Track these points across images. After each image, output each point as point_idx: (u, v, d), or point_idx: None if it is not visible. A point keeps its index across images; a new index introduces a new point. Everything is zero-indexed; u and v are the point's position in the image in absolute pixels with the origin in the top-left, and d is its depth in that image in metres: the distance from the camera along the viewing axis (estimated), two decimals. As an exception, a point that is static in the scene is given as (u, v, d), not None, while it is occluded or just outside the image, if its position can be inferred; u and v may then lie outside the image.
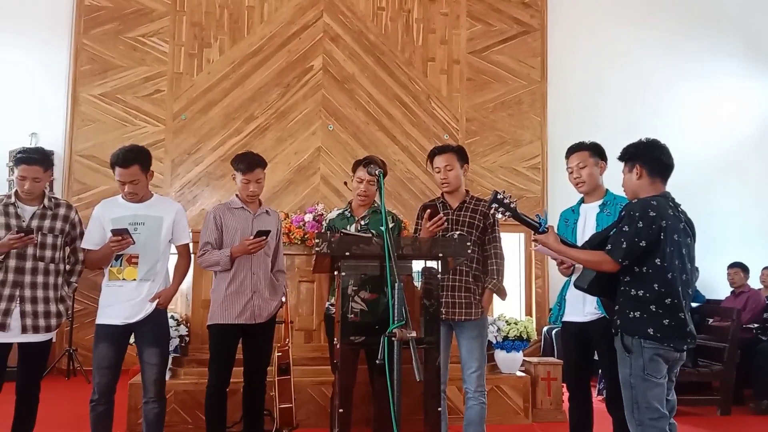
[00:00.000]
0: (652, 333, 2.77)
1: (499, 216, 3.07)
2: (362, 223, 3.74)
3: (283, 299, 3.87)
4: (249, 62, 7.50)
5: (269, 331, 3.79)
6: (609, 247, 2.85)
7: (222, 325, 3.63)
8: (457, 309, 3.48)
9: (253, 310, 3.64)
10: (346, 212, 3.82)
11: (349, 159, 7.43)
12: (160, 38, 7.36)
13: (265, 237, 3.54)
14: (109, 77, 7.22)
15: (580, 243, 3.25)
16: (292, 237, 4.99)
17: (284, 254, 4.91)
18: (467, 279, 3.51)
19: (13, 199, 3.45)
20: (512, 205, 3.04)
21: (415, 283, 2.72)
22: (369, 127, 7.66)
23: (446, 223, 3.51)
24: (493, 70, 8.00)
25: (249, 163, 3.71)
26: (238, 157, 3.77)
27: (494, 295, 3.65)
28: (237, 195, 3.81)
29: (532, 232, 3.13)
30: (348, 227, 3.70)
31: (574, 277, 3.33)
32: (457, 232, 3.45)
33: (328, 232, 3.72)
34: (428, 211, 3.39)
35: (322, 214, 5.11)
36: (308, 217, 5.07)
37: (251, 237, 3.54)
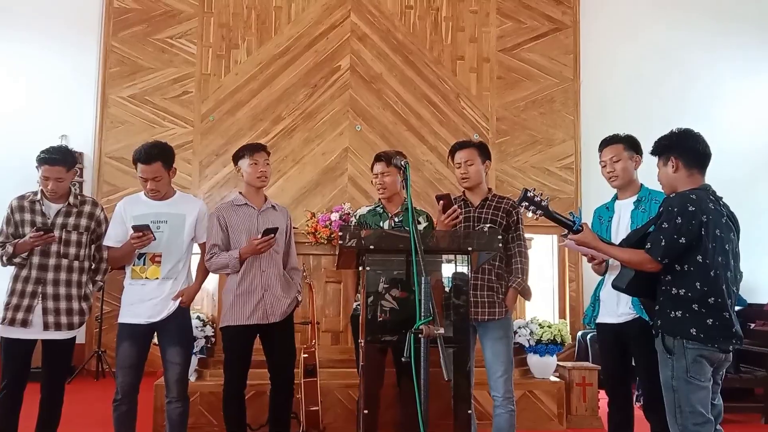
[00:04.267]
0: (695, 333, 2.64)
1: (530, 215, 2.95)
2: (396, 219, 3.65)
3: (299, 297, 3.75)
4: (276, 63, 7.46)
5: (288, 329, 3.67)
6: (648, 245, 2.73)
7: (234, 326, 3.53)
8: (479, 308, 3.34)
9: (265, 308, 3.53)
10: (378, 209, 3.71)
11: (377, 159, 7.37)
12: (188, 40, 7.38)
13: (273, 235, 3.43)
14: (138, 79, 7.25)
15: (614, 241, 3.12)
16: (318, 236, 4.92)
17: (311, 254, 4.89)
18: (489, 277, 3.39)
19: (39, 197, 3.44)
20: (543, 203, 2.91)
21: (444, 285, 2.61)
22: (397, 127, 7.57)
23: (468, 220, 3.41)
24: (524, 68, 7.84)
25: (252, 147, 3.67)
26: (240, 148, 3.70)
27: (519, 296, 3.52)
28: (240, 192, 3.72)
29: (563, 231, 3.00)
30: (381, 224, 3.61)
31: (608, 276, 3.20)
32: (487, 226, 3.33)
33: (356, 226, 3.62)
34: (441, 203, 3.27)
35: (349, 213, 5.03)
36: (334, 216, 4.98)
37: (259, 236, 3.44)
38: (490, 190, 3.60)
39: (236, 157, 3.71)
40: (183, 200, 3.60)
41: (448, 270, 2.53)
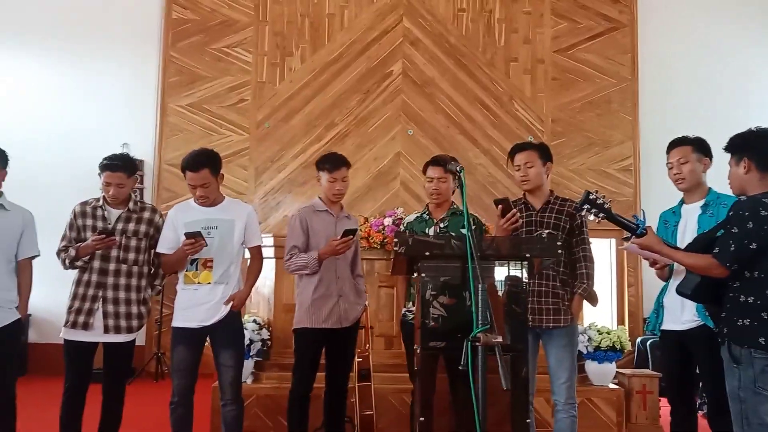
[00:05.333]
0: (764, 342, 2.53)
1: (592, 218, 2.88)
2: (441, 225, 3.62)
3: (367, 303, 3.81)
4: (329, 69, 7.53)
5: (353, 335, 3.74)
6: (716, 250, 2.63)
7: (308, 329, 3.60)
8: (544, 315, 3.28)
9: (340, 314, 3.61)
10: (425, 215, 3.71)
11: (430, 164, 7.35)
12: (243, 48, 7.51)
13: (352, 236, 3.50)
14: (196, 88, 7.43)
15: (681, 246, 3.01)
16: (372, 241, 4.93)
17: (364, 259, 4.90)
18: (554, 284, 3.32)
19: (101, 203, 3.55)
20: (606, 206, 2.84)
21: (498, 291, 2.57)
22: (449, 131, 7.52)
23: (529, 224, 3.34)
24: (580, 68, 7.68)
25: (334, 162, 3.69)
26: (323, 157, 3.75)
27: (584, 302, 3.44)
28: (320, 197, 3.77)
29: (623, 234, 2.92)
30: (427, 230, 3.59)
31: (672, 282, 3.10)
32: (546, 231, 3.26)
33: (407, 232, 3.60)
34: (500, 207, 3.22)
35: (402, 218, 5.02)
36: (387, 221, 4.99)
37: (338, 237, 3.49)
38: (551, 192, 3.52)
39: (318, 166, 3.76)
40: (232, 205, 3.66)
41: (505, 276, 2.49)
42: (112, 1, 7.38)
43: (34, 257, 3.54)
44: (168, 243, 3.54)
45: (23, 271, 3.50)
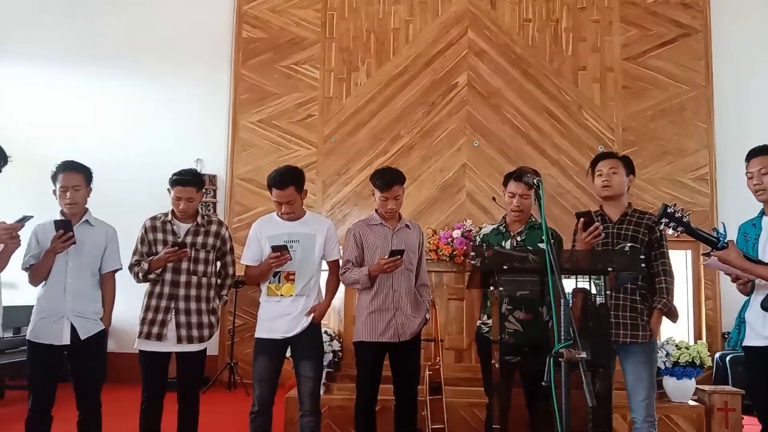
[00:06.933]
0: None
1: (670, 231, 2.80)
2: (518, 239, 3.56)
3: (428, 316, 3.78)
4: (395, 83, 7.60)
5: (415, 348, 3.73)
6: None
7: (367, 342, 3.63)
8: (621, 330, 3.21)
9: (396, 328, 3.61)
10: (501, 227, 3.65)
11: (496, 175, 7.28)
12: (311, 65, 7.67)
13: (399, 257, 3.49)
14: (266, 104, 7.63)
15: (763, 260, 2.89)
16: (440, 254, 4.93)
17: (433, 271, 4.90)
18: (633, 298, 3.24)
19: (170, 217, 3.68)
20: (685, 219, 2.76)
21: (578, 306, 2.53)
22: (516, 142, 7.46)
23: (606, 237, 3.26)
24: (652, 75, 7.49)
25: (386, 180, 3.69)
26: (376, 173, 3.76)
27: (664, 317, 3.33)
28: (376, 210, 3.80)
29: (703, 249, 2.82)
30: (503, 243, 3.54)
31: (754, 297, 2.98)
32: (629, 244, 3.18)
33: (484, 245, 3.56)
34: (581, 220, 3.16)
35: (471, 230, 5.00)
36: (456, 234, 4.98)
37: (386, 257, 3.50)
38: (629, 205, 3.44)
39: (372, 180, 3.79)
40: (313, 220, 3.74)
41: (584, 290, 2.44)
42: (185, 23, 7.66)
43: (116, 270, 3.69)
44: (252, 255, 3.64)
45: (107, 284, 3.64)
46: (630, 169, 3.44)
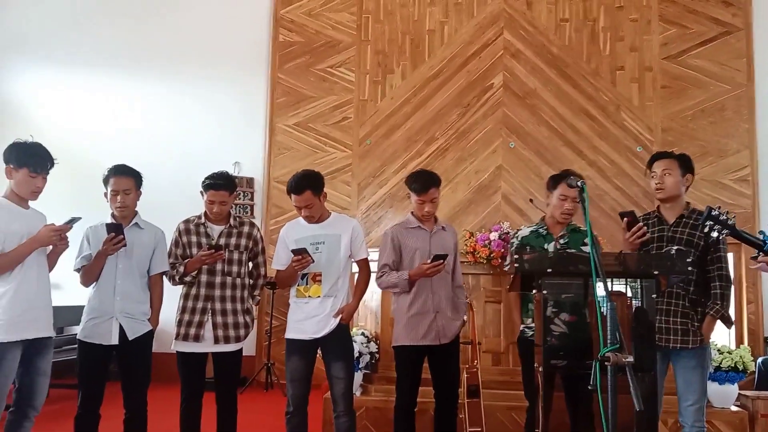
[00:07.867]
0: None
1: (715, 234, 2.76)
2: (561, 242, 3.52)
3: (465, 318, 3.79)
4: (429, 85, 7.60)
5: (454, 351, 3.75)
6: None
7: (407, 346, 3.64)
8: (671, 336, 3.18)
9: (438, 330, 3.62)
10: (541, 230, 3.60)
11: (532, 176, 7.24)
12: (346, 68, 7.72)
13: (443, 261, 3.49)
14: (302, 108, 7.70)
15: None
16: (477, 256, 4.92)
17: (470, 274, 4.90)
18: (683, 303, 3.20)
19: (203, 220, 3.76)
20: (730, 222, 2.73)
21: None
22: (553, 143, 7.39)
23: (661, 240, 3.22)
24: (692, 75, 7.35)
25: (422, 183, 3.71)
26: (412, 176, 3.78)
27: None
28: (412, 213, 3.81)
29: (747, 251, 2.78)
30: (545, 245, 3.51)
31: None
32: (675, 247, 3.14)
33: (528, 247, 3.53)
34: (626, 219, 3.13)
35: (508, 233, 4.98)
36: (493, 236, 4.97)
37: (428, 261, 3.50)
38: (688, 205, 3.38)
39: (408, 183, 3.81)
40: (338, 221, 3.77)
41: (632, 294, 2.43)
42: (223, 28, 7.77)
43: (164, 272, 3.77)
44: (280, 260, 3.72)
45: (155, 285, 3.73)
46: (687, 167, 3.38)
